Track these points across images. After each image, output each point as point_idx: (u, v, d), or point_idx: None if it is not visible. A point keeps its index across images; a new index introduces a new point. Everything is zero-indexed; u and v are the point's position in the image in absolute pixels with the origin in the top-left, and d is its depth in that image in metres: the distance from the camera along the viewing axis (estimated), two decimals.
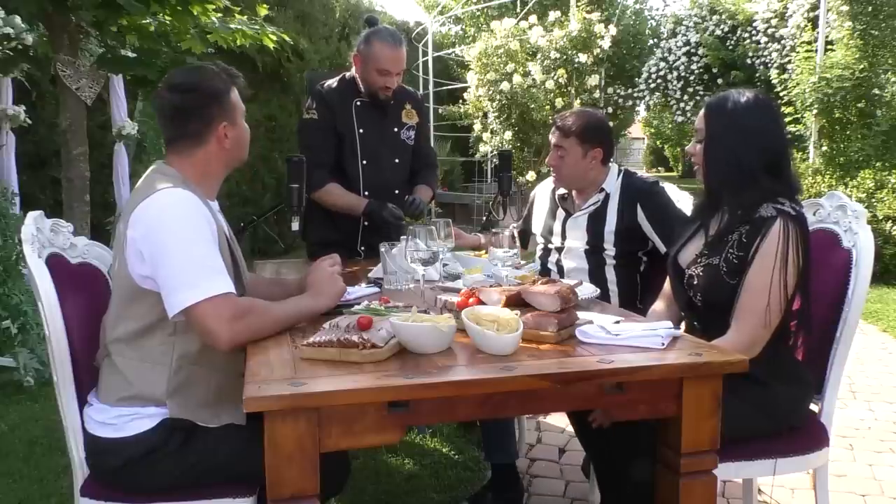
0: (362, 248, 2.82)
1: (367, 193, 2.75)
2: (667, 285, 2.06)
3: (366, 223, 2.77)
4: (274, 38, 4.46)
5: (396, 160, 2.83)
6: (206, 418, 1.59)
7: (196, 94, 1.66)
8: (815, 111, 7.32)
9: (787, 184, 1.79)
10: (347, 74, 2.81)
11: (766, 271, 1.70)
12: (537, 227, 2.66)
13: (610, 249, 2.42)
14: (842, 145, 7.34)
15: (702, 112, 1.91)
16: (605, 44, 8.51)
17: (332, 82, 2.80)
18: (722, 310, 1.77)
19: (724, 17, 10.26)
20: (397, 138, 2.84)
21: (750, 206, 1.78)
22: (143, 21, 3.96)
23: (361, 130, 2.74)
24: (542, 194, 2.68)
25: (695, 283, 1.83)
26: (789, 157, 1.86)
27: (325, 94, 2.75)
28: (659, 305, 2.08)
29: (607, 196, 2.45)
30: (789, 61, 8.50)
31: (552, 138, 2.47)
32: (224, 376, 1.62)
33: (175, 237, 1.51)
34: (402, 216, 2.62)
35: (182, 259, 1.50)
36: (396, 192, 2.84)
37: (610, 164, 2.49)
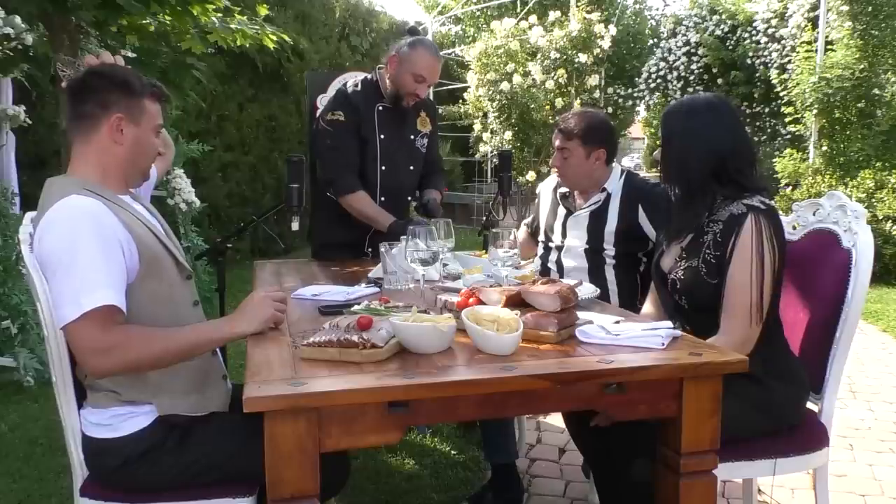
0: (369, 248, 2.82)
1: (383, 199, 2.75)
2: (652, 287, 2.08)
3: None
4: (274, 38, 4.45)
5: (411, 167, 2.84)
6: (195, 408, 1.60)
7: (102, 78, 1.64)
8: (815, 111, 7.32)
9: (743, 185, 1.80)
10: (368, 76, 2.80)
11: (745, 269, 1.72)
12: (541, 224, 2.66)
13: (609, 249, 2.43)
14: (842, 145, 7.34)
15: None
16: (605, 44, 8.50)
17: (355, 84, 2.78)
18: (708, 310, 1.79)
19: (724, 17, 10.24)
20: (413, 145, 2.85)
21: (706, 207, 1.82)
22: (143, 21, 3.95)
23: (382, 136, 2.74)
24: (546, 191, 2.69)
25: (678, 286, 1.85)
26: (745, 157, 1.85)
27: (350, 96, 2.74)
28: (648, 308, 2.09)
29: (609, 196, 2.45)
30: (789, 61, 8.50)
31: (555, 141, 2.48)
32: (199, 360, 1.63)
33: (54, 254, 1.47)
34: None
35: (61, 276, 1.45)
36: (409, 198, 2.84)
37: (613, 164, 2.50)
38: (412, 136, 2.84)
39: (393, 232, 2.63)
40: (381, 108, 2.74)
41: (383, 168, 2.75)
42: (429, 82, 2.67)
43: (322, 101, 3.08)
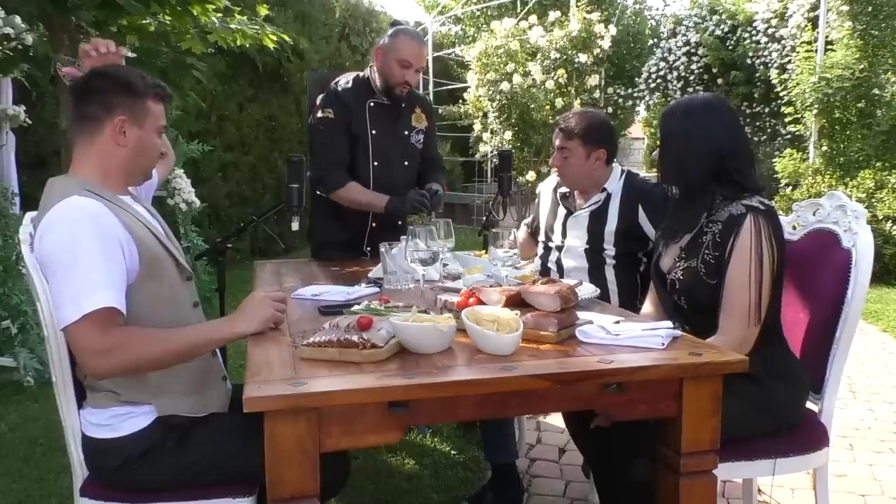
0: (368, 248, 2.82)
1: None
2: (652, 287, 2.08)
3: (373, 224, 2.77)
4: (274, 38, 4.45)
5: (406, 163, 2.84)
6: (194, 408, 1.60)
7: (106, 79, 1.63)
8: (815, 111, 7.32)
9: (742, 185, 1.80)
10: (361, 74, 2.80)
11: (744, 269, 1.72)
12: (541, 224, 2.66)
13: (609, 249, 2.43)
14: (842, 145, 7.34)
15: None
16: (605, 44, 8.50)
17: (346, 82, 2.78)
18: (707, 311, 1.79)
19: (724, 17, 10.24)
20: (407, 141, 2.84)
21: (705, 207, 1.82)
22: (143, 21, 3.96)
23: (374, 132, 2.74)
24: (546, 191, 2.69)
25: (677, 287, 1.85)
26: (744, 157, 1.85)
27: (341, 94, 2.74)
28: (648, 308, 2.09)
29: (609, 196, 2.45)
30: (789, 61, 8.49)
31: (556, 140, 2.48)
32: (198, 361, 1.63)
33: (54, 255, 1.47)
34: (426, 196, 2.58)
35: (61, 277, 1.45)
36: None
37: (613, 164, 2.50)
38: (406, 132, 2.83)
39: (390, 211, 2.63)
40: (372, 104, 2.74)
41: (375, 164, 2.75)
42: (415, 67, 2.68)
43: None
